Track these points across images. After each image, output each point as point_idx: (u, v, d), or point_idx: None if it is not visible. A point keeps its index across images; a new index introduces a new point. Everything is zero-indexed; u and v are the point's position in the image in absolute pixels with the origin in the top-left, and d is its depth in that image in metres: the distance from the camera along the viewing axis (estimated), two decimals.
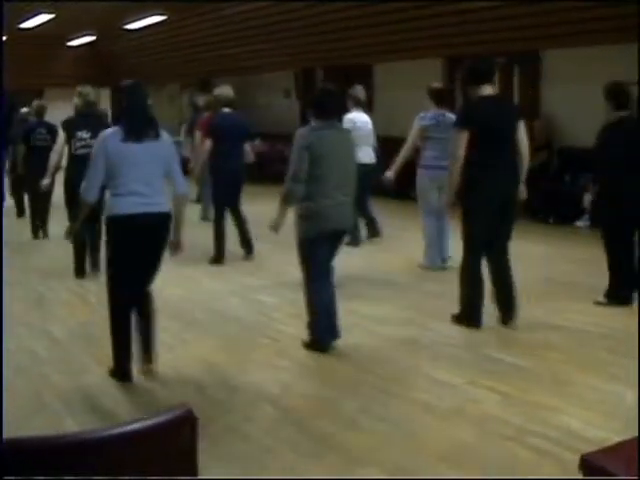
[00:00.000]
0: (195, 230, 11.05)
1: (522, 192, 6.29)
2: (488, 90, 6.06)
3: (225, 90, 8.95)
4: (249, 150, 8.87)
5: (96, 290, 7.75)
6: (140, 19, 16.24)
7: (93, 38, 20.09)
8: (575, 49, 10.86)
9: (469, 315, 6.13)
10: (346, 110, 9.00)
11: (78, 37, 20.00)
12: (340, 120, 5.73)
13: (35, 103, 11.67)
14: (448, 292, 7.10)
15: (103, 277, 8.15)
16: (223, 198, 8.88)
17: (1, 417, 3.88)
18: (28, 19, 16.48)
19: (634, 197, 6.67)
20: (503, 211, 6.05)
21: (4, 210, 11.60)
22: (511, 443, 4.09)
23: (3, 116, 13.25)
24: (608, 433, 3.99)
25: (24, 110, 13.57)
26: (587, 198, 7.01)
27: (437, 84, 8.66)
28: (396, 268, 8.04)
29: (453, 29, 11.86)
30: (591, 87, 10.65)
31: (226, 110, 8.76)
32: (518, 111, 6.54)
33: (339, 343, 5.83)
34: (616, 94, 6.84)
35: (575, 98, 11.01)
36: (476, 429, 4.29)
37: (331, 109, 5.57)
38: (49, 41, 19.97)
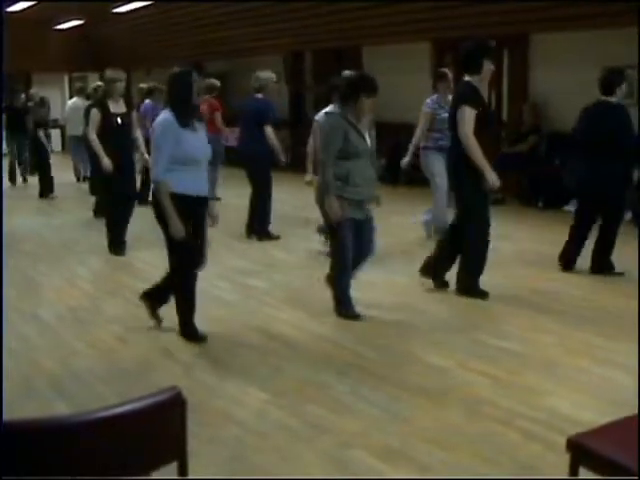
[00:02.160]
0: None
1: None
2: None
3: (261, 75, 8.97)
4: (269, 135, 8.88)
5: (86, 275, 7.75)
6: (129, 2, 16.14)
7: (81, 22, 19.95)
8: (564, 33, 10.85)
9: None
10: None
11: (66, 21, 19.86)
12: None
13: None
14: None
15: (93, 263, 8.22)
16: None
17: (1, 400, 3.89)
18: (15, 2, 16.36)
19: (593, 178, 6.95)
20: None
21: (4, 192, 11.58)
22: (500, 426, 4.12)
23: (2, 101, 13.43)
24: (597, 415, 4.00)
25: (33, 92, 13.86)
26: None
27: (442, 70, 9.07)
28: (386, 251, 8.04)
29: (442, 12, 11.83)
30: (580, 71, 10.68)
31: (257, 95, 8.86)
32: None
33: (330, 327, 5.85)
34: (602, 80, 6.95)
35: (564, 82, 11.01)
36: (466, 412, 4.31)
37: (340, 96, 5.89)
38: (37, 25, 19.84)
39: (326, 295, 6.31)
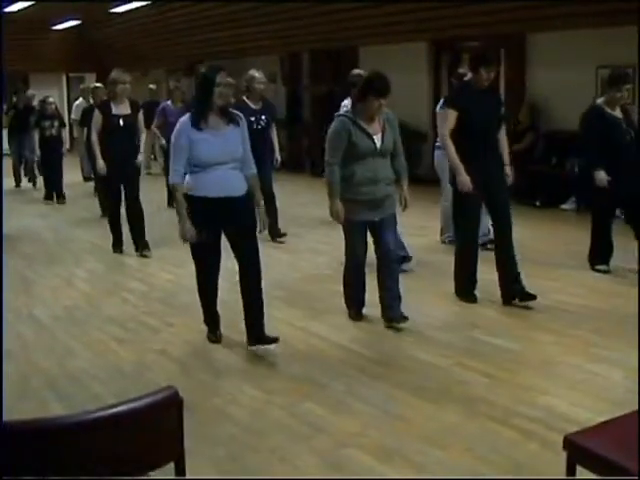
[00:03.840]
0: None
1: None
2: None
3: (247, 74, 8.97)
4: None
5: (83, 275, 7.74)
6: (126, 2, 16.13)
7: (78, 22, 19.93)
8: (562, 32, 10.85)
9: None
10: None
11: (63, 21, 19.84)
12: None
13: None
14: (432, 274, 7.13)
15: (90, 264, 8.22)
16: None
17: (1, 401, 3.88)
18: (12, 3, 16.34)
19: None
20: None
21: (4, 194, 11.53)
22: (497, 424, 4.12)
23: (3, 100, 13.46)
24: (594, 414, 4.01)
25: (30, 93, 13.86)
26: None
27: (460, 70, 8.88)
28: None
29: (439, 12, 11.84)
30: (578, 71, 10.69)
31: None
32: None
33: (326, 326, 5.85)
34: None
35: (562, 81, 11.01)
36: (462, 410, 4.31)
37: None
38: (34, 25, 19.82)
39: (322, 294, 6.31)
